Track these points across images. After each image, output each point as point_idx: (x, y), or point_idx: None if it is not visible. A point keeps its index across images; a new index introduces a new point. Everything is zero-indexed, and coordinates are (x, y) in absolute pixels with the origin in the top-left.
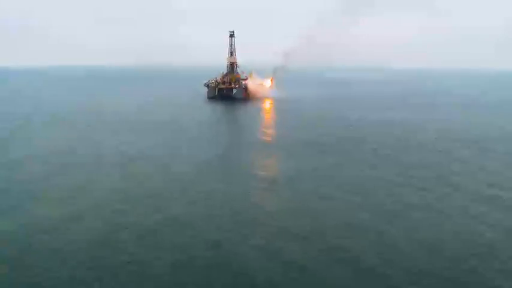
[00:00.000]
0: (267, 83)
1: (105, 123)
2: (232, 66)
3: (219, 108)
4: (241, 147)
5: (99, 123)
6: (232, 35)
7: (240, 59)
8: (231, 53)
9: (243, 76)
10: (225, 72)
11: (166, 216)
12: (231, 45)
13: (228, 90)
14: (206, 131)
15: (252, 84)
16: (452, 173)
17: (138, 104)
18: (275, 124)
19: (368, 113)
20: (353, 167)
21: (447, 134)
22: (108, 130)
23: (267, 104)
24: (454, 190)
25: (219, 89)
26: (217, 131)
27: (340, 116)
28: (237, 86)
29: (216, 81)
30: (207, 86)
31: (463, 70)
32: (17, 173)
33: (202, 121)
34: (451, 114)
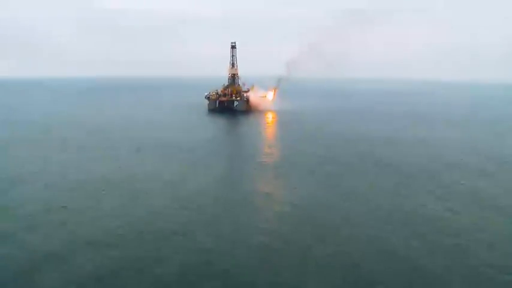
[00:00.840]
0: (270, 95)
1: (87, 137)
2: (233, 77)
3: (219, 121)
4: (241, 168)
5: (86, 136)
6: (233, 46)
7: (241, 71)
8: (233, 65)
9: (244, 88)
10: (226, 84)
11: (163, 238)
12: (232, 56)
13: (229, 103)
14: (205, 147)
15: (253, 96)
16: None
17: (135, 116)
18: (276, 140)
19: (372, 126)
20: (364, 192)
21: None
22: (91, 145)
23: (269, 117)
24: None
25: (220, 101)
26: (216, 147)
27: (343, 129)
28: (238, 98)
29: (217, 93)
30: (208, 98)
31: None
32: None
33: (202, 136)
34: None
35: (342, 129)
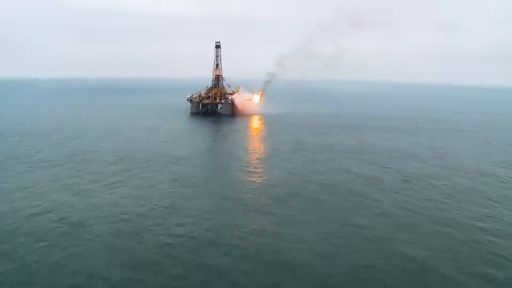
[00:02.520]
0: (256, 98)
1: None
2: (217, 79)
3: (201, 127)
4: (225, 189)
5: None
6: (218, 46)
7: (226, 72)
8: (217, 65)
9: (229, 90)
10: (209, 85)
11: None
12: (216, 56)
13: (213, 106)
14: (187, 160)
15: (239, 99)
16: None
17: (112, 120)
18: (264, 151)
19: (370, 135)
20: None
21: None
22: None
23: (255, 122)
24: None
25: (203, 104)
26: (199, 161)
27: (338, 138)
28: (222, 101)
29: (200, 95)
30: (190, 100)
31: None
32: None
33: (183, 145)
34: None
35: (337, 138)
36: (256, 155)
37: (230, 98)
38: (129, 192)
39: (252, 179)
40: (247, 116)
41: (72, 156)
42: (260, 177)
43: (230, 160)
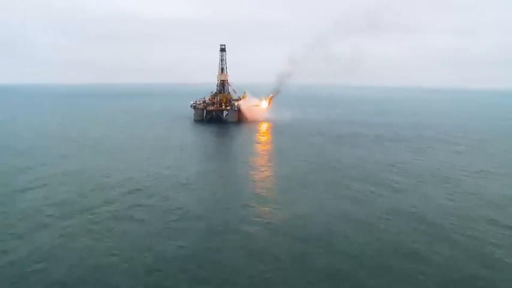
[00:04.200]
0: (264, 103)
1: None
2: (223, 84)
3: (205, 136)
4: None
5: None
6: (223, 49)
7: (231, 77)
8: (222, 70)
9: (235, 96)
10: (214, 91)
11: None
12: (221, 60)
13: (218, 112)
14: (190, 181)
15: (245, 105)
16: None
17: (107, 129)
18: (275, 167)
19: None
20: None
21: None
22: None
23: (266, 130)
24: None
25: (208, 111)
26: (204, 182)
27: (356, 149)
28: (228, 107)
29: (204, 101)
30: (194, 107)
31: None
32: None
33: (184, 160)
34: None
35: (366, 150)
36: (279, 175)
37: (236, 104)
38: (128, 228)
39: (282, 212)
40: (255, 123)
41: (66, 174)
42: (291, 207)
43: (248, 183)
